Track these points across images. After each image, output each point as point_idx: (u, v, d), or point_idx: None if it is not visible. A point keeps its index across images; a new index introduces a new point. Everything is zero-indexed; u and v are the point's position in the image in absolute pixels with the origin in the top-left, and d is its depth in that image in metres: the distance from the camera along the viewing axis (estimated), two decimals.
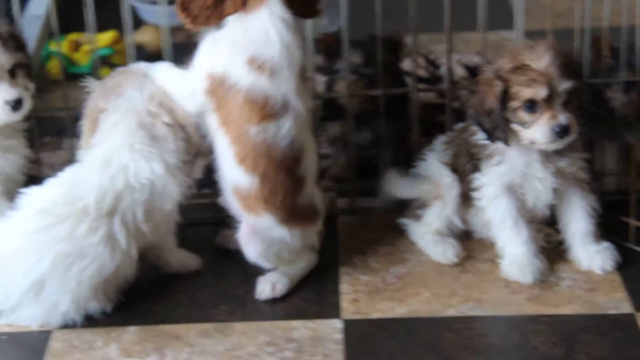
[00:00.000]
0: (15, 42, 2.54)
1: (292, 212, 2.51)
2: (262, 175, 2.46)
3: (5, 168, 2.59)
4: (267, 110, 2.41)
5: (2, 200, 2.58)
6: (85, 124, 2.52)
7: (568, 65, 2.47)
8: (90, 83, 2.54)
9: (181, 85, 2.47)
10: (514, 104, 2.48)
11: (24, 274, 2.43)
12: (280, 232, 2.51)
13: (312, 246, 2.62)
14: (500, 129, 2.50)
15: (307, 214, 2.55)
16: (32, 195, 2.49)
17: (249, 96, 2.40)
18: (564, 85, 2.45)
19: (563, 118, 2.46)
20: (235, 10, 2.38)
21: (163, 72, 2.50)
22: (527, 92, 2.47)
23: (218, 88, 2.42)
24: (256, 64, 2.38)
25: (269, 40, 2.38)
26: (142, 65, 2.56)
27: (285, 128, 2.43)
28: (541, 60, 2.46)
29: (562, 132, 2.47)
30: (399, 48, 2.96)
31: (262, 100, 2.40)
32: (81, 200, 2.43)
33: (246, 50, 2.39)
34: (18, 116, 2.55)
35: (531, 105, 2.47)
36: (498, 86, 2.49)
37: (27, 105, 2.56)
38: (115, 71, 2.57)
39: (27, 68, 2.59)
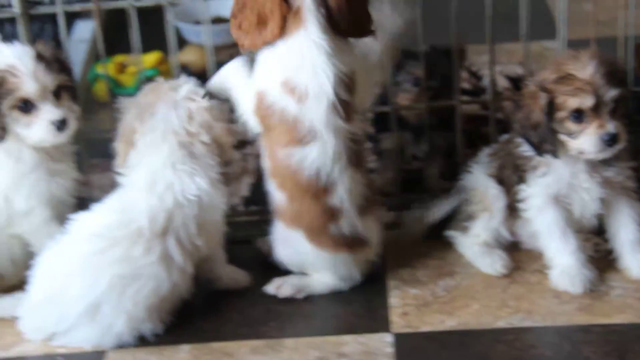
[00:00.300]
0: (59, 65, 2.56)
1: (323, 235, 2.53)
2: (289, 195, 2.49)
3: (55, 191, 2.61)
4: (294, 134, 2.42)
5: (53, 223, 2.60)
6: (119, 144, 2.55)
7: (613, 74, 2.47)
8: (123, 102, 2.56)
9: (241, 105, 2.51)
10: (561, 114, 2.48)
11: (80, 297, 2.45)
12: (306, 246, 2.54)
13: (346, 274, 2.62)
14: (548, 142, 2.50)
15: (345, 241, 2.55)
16: (83, 220, 2.50)
17: (281, 118, 2.42)
18: (611, 93, 2.45)
19: (611, 126, 2.46)
20: (273, 38, 2.39)
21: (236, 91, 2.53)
22: (573, 102, 2.46)
23: (260, 105, 2.45)
24: (288, 87, 2.40)
25: (302, 64, 2.39)
26: (171, 82, 2.57)
27: (311, 157, 2.43)
28: (586, 69, 2.45)
29: (611, 140, 2.46)
30: (462, 59, 2.93)
31: (291, 124, 2.42)
32: (134, 223, 2.45)
33: (282, 72, 2.41)
34: (63, 137, 2.56)
35: (578, 115, 2.47)
36: (543, 98, 2.49)
37: (72, 126, 2.57)
38: (146, 88, 2.58)
39: (72, 90, 2.61)
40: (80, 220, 2.51)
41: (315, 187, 2.46)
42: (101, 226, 2.47)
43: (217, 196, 2.52)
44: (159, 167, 2.48)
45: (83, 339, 2.49)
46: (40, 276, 2.51)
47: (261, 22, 2.38)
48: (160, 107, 2.49)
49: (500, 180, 2.70)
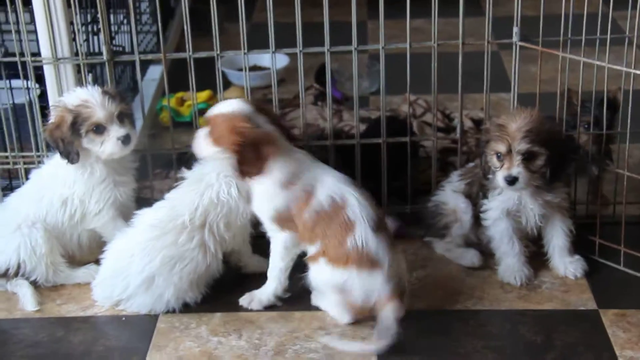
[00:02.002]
0: (119, 97, 2.56)
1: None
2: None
3: (119, 197, 2.61)
4: None
5: (117, 220, 2.61)
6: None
7: (535, 132, 2.44)
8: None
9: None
10: (490, 152, 2.51)
11: (139, 272, 2.47)
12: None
13: None
14: (488, 172, 2.55)
15: None
16: (144, 215, 2.53)
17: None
18: (521, 146, 2.44)
19: (514, 170, 2.46)
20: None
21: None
22: (496, 145, 2.48)
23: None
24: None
25: None
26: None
27: None
28: (512, 124, 2.46)
29: (511, 180, 2.46)
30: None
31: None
32: (181, 217, 2.47)
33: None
34: (128, 150, 2.55)
35: (499, 156, 2.49)
36: (485, 137, 2.52)
37: (134, 141, 2.56)
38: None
39: (130, 116, 2.60)
40: (142, 215, 2.54)
41: None
42: (156, 219, 2.49)
43: (243, 205, 2.51)
44: (210, 170, 2.49)
45: (140, 305, 2.51)
46: (110, 257, 2.54)
47: None
48: None
49: (468, 196, 2.69)
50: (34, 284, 2.60)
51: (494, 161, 2.51)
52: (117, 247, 2.53)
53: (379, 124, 2.80)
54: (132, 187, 2.65)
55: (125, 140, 2.52)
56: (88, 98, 2.49)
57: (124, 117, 2.55)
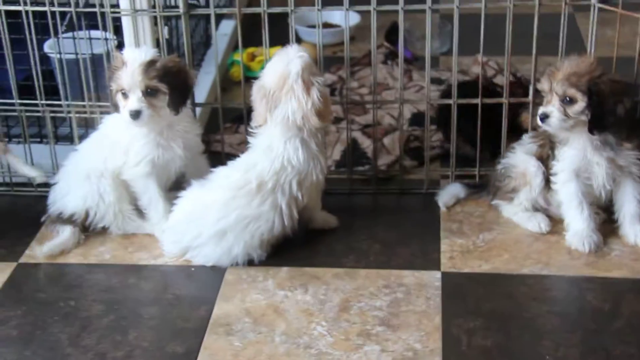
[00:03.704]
0: (164, 74, 2.47)
1: None
2: None
3: (157, 159, 2.57)
4: None
5: (152, 180, 2.59)
6: (259, 104, 2.48)
7: (579, 77, 2.42)
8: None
9: None
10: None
11: (214, 223, 2.49)
12: None
13: None
14: None
15: None
16: (219, 173, 2.54)
17: None
18: (558, 87, 2.44)
19: (549, 109, 2.46)
20: None
21: None
22: (541, 84, 2.50)
23: None
24: None
25: None
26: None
27: None
28: (563, 65, 2.46)
29: (543, 118, 2.48)
30: None
31: None
32: (255, 181, 2.48)
33: None
34: (138, 124, 2.50)
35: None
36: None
37: (146, 119, 2.48)
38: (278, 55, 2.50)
39: (167, 95, 2.50)
40: (218, 173, 2.54)
41: None
42: (231, 182, 2.50)
43: (313, 166, 2.51)
44: (276, 138, 2.48)
45: (207, 256, 2.52)
46: (184, 203, 2.55)
47: None
48: (286, 86, 2.43)
49: (539, 158, 2.64)
50: (105, 231, 2.65)
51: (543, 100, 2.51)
52: (193, 196, 2.55)
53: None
54: (178, 154, 2.59)
55: (134, 115, 2.48)
56: (128, 61, 2.48)
57: (156, 92, 2.50)
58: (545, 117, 2.47)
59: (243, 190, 2.48)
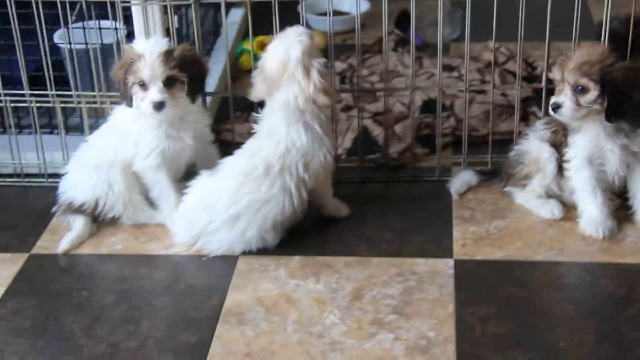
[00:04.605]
0: (183, 63, 2.47)
1: None
2: None
3: (167, 150, 2.56)
4: None
5: (162, 171, 2.58)
6: (260, 83, 2.48)
7: (590, 65, 2.40)
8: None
9: None
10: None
11: (226, 209, 2.48)
12: None
13: None
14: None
15: None
16: (228, 163, 2.54)
17: None
18: (569, 77, 2.42)
19: (560, 99, 2.44)
20: None
21: None
22: (553, 74, 2.49)
23: None
24: None
25: None
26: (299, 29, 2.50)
27: None
28: (575, 54, 2.45)
29: (555, 107, 2.45)
30: None
31: None
32: (261, 165, 2.47)
33: None
34: (161, 115, 2.49)
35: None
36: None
37: (169, 110, 2.48)
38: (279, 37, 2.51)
39: (187, 84, 2.49)
40: (227, 163, 2.54)
41: None
42: (239, 169, 2.50)
43: (319, 148, 2.50)
44: (279, 123, 2.48)
45: (220, 242, 2.52)
46: (196, 191, 2.54)
47: None
48: (287, 72, 2.44)
49: (552, 144, 2.62)
50: (116, 222, 2.65)
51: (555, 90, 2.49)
52: (204, 184, 2.54)
53: None
54: (188, 145, 2.58)
55: (158, 106, 2.47)
56: (145, 52, 2.46)
57: (175, 82, 2.49)
58: (557, 107, 2.45)
59: (251, 176, 2.48)
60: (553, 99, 2.47)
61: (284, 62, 2.44)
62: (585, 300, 2.34)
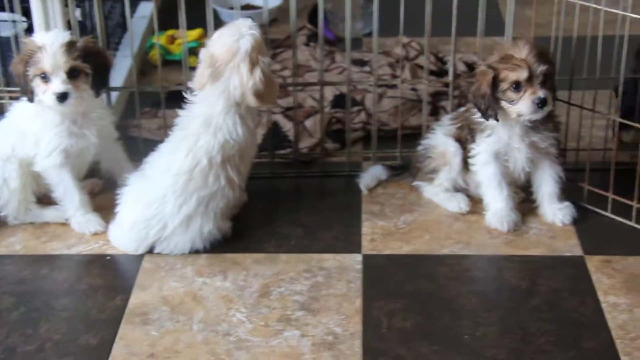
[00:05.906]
0: (86, 55, 2.43)
1: None
2: None
3: (70, 148, 2.50)
4: None
5: (65, 171, 2.52)
6: (203, 69, 2.43)
7: (542, 55, 2.43)
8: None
9: None
10: (503, 86, 2.44)
11: (178, 210, 2.43)
12: None
13: None
14: (491, 109, 2.46)
15: None
16: (156, 162, 2.47)
17: None
18: (540, 68, 2.41)
19: (541, 93, 2.42)
20: None
21: None
22: (512, 76, 2.42)
23: None
24: None
25: None
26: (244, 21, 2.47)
27: None
28: (521, 50, 2.42)
29: (541, 103, 2.42)
30: None
31: None
32: (204, 159, 2.43)
33: None
34: (64, 107, 2.43)
35: (517, 86, 2.43)
36: (489, 74, 2.45)
37: (72, 101, 2.41)
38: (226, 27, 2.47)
39: (90, 75, 2.45)
40: (155, 162, 2.48)
41: None
42: (178, 167, 2.43)
43: (251, 142, 2.50)
44: (217, 110, 2.43)
45: (179, 244, 2.47)
46: (132, 202, 2.47)
47: None
48: (233, 62, 2.40)
49: (458, 140, 2.65)
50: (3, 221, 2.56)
51: (509, 95, 2.45)
52: (141, 191, 2.47)
53: None
54: (92, 143, 2.53)
55: (61, 97, 2.40)
56: (45, 43, 2.39)
57: (79, 74, 2.43)
58: (544, 102, 2.42)
59: (196, 171, 2.43)
60: (534, 97, 2.41)
61: (232, 52, 2.39)
62: (490, 292, 2.37)
